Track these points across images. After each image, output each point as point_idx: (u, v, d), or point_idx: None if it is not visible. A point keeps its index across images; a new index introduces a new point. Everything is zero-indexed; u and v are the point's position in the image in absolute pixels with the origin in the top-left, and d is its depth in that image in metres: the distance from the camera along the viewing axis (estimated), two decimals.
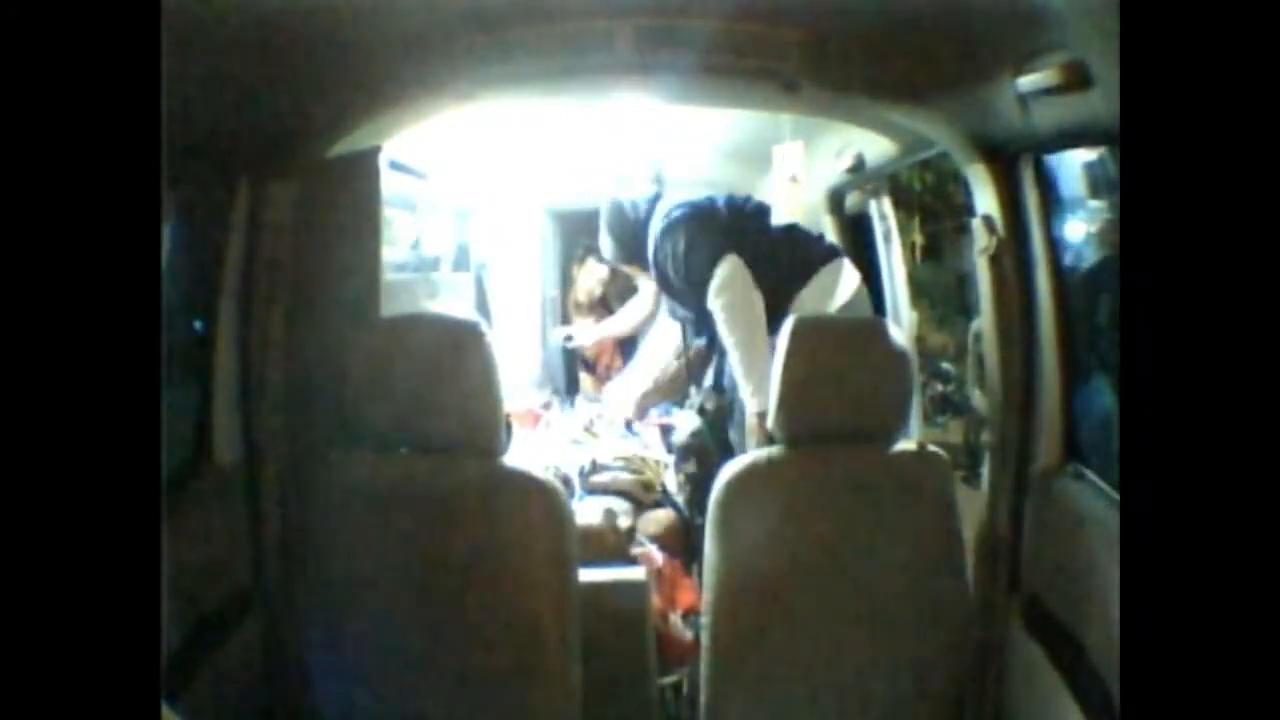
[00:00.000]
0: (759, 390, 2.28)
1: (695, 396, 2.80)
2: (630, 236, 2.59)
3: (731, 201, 2.51)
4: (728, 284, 2.33)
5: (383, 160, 1.86)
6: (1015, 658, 1.55)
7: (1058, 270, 1.52)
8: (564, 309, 4.19)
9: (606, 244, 2.71)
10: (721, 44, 1.43)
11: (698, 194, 2.54)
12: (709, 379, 2.72)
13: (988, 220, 1.58)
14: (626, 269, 2.79)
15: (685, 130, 2.59)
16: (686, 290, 2.48)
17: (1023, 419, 1.57)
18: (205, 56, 1.16)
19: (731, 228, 2.44)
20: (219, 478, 1.58)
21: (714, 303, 2.36)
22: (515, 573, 1.47)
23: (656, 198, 2.58)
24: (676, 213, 2.46)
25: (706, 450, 2.55)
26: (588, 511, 2.13)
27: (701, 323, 2.52)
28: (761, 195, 2.60)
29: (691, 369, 2.92)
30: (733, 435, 2.57)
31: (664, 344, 3.11)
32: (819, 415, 1.54)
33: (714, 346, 2.59)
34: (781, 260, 2.42)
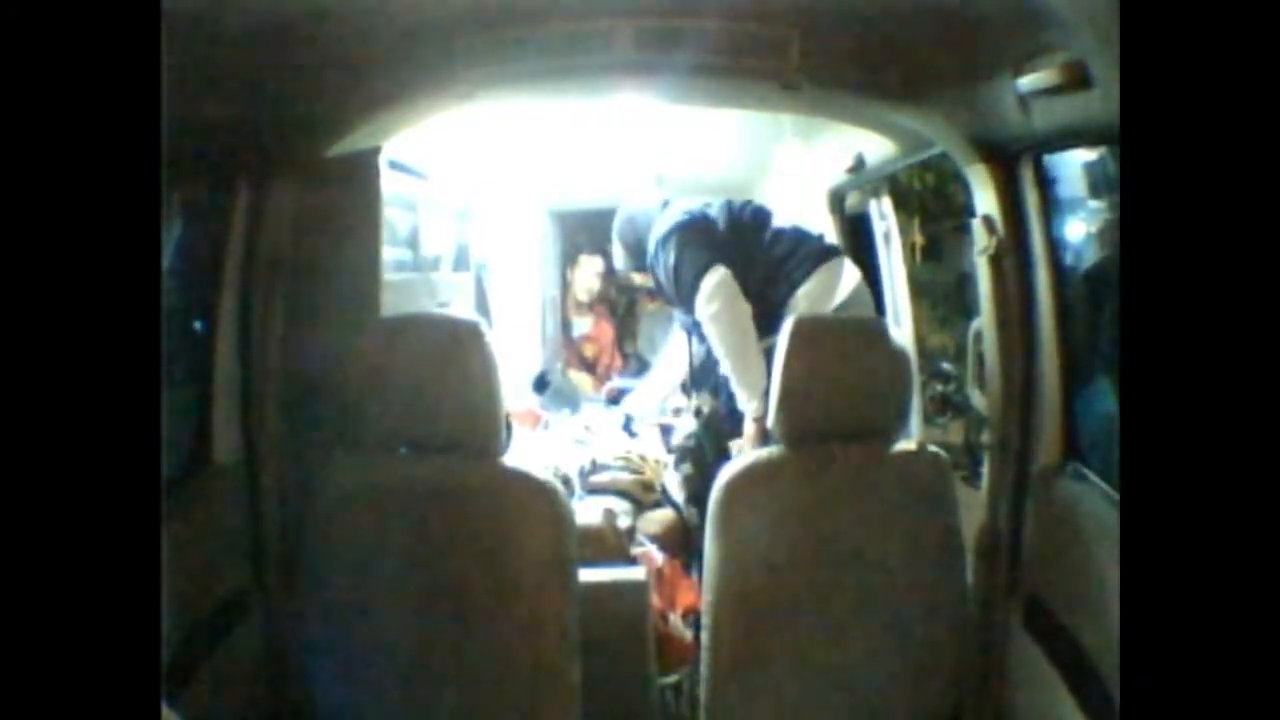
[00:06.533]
0: (753, 396, 2.34)
1: (693, 401, 2.82)
2: (639, 246, 2.63)
3: (728, 209, 2.54)
4: (714, 295, 2.37)
5: (383, 160, 1.86)
6: (1015, 658, 1.55)
7: (1058, 270, 1.52)
8: (564, 309, 4.19)
9: (618, 253, 2.75)
10: (721, 44, 1.43)
11: (698, 202, 2.57)
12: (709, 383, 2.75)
13: (988, 220, 1.58)
14: (638, 278, 2.82)
15: (685, 130, 2.59)
16: (679, 299, 2.51)
17: (1023, 419, 1.57)
18: (205, 56, 1.16)
19: (724, 237, 2.48)
20: (219, 478, 1.58)
21: (702, 313, 2.40)
22: (515, 573, 1.47)
23: (665, 205, 2.61)
24: (670, 223, 2.50)
25: (702, 453, 2.57)
26: (588, 511, 2.13)
27: (699, 329, 2.55)
28: (762, 196, 2.61)
29: (693, 374, 2.95)
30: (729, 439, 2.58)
31: (679, 351, 3.13)
32: (819, 415, 1.54)
33: (712, 352, 2.61)
34: (778, 263, 2.45)
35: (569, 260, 4.20)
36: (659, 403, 3.21)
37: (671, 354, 3.17)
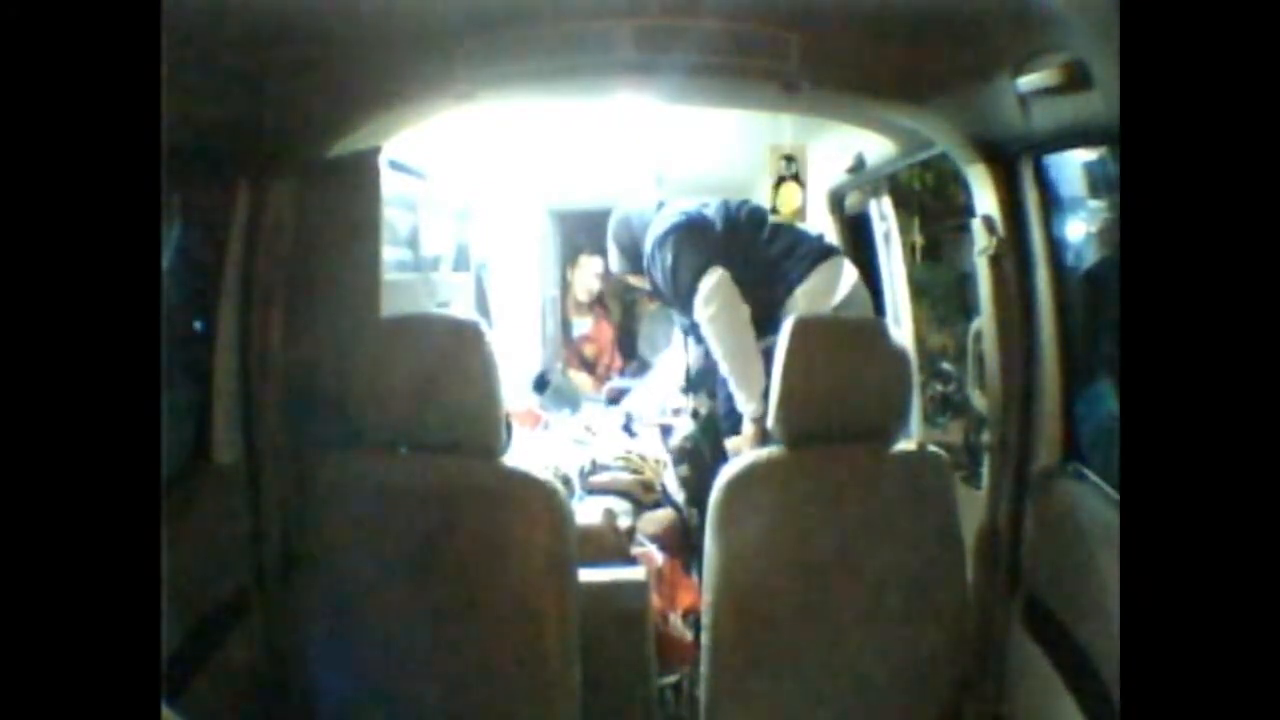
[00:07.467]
0: (752, 397, 2.33)
1: (691, 402, 2.82)
2: (635, 248, 2.62)
3: (725, 209, 2.53)
4: (712, 297, 2.37)
5: (383, 160, 1.86)
6: (1015, 658, 1.55)
7: (1058, 270, 1.52)
8: (564, 309, 4.19)
9: (613, 255, 2.73)
10: (721, 44, 1.43)
11: (694, 202, 2.56)
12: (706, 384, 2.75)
13: (988, 220, 1.58)
14: (634, 280, 2.81)
15: (685, 130, 2.59)
16: (676, 301, 2.51)
17: (1023, 419, 1.57)
18: (205, 56, 1.16)
19: (721, 238, 2.47)
20: (219, 478, 1.58)
21: (700, 315, 2.40)
22: (515, 573, 1.47)
23: (660, 207, 2.60)
24: (667, 224, 2.49)
25: (699, 454, 2.57)
26: (588, 511, 2.13)
27: (697, 331, 2.55)
28: (761, 196, 2.60)
29: (690, 376, 2.94)
30: (728, 440, 2.58)
31: (682, 351, 3.14)
32: (818, 415, 1.54)
33: (710, 354, 2.61)
34: (776, 263, 2.44)
35: (569, 260, 4.20)
36: (663, 404, 3.22)
37: (676, 354, 3.17)
